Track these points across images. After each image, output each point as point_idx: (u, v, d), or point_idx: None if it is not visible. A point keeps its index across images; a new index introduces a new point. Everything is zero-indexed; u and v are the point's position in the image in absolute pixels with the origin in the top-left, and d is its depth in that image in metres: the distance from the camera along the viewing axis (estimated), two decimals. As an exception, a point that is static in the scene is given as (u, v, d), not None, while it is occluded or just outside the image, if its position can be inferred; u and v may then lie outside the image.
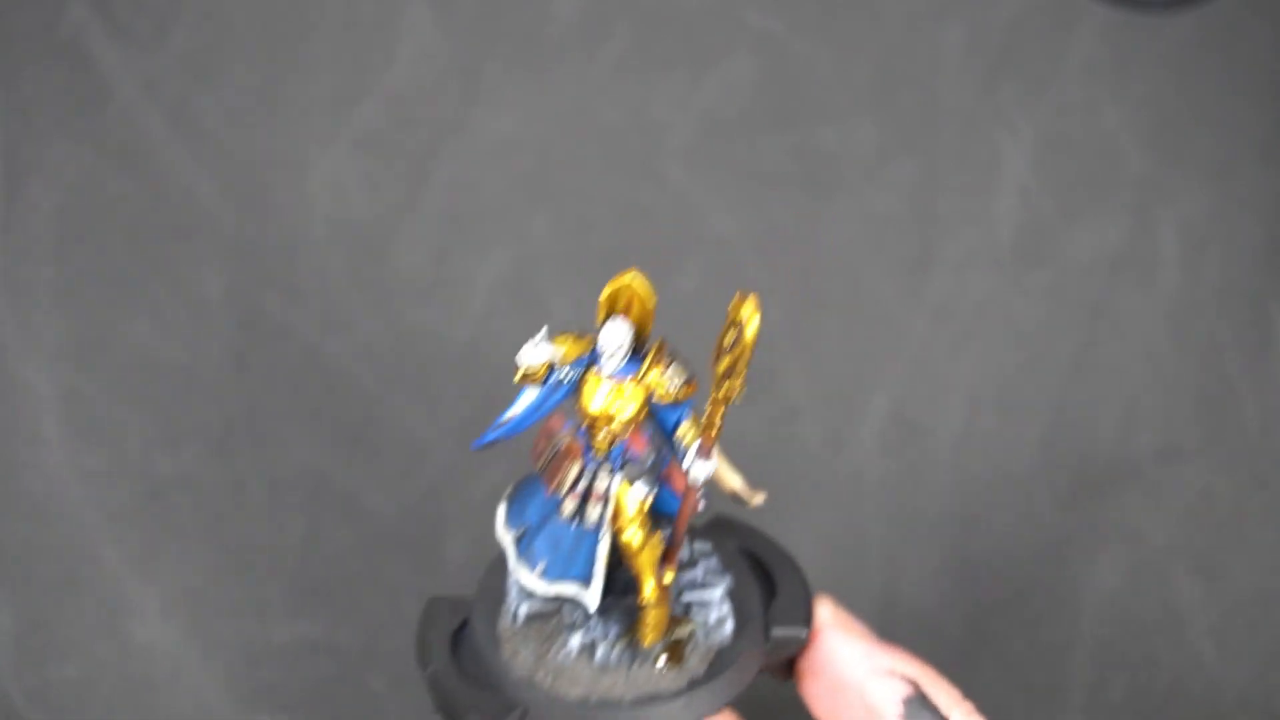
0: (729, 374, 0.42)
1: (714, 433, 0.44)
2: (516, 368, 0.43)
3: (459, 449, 0.69)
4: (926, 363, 0.70)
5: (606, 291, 0.43)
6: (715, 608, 0.47)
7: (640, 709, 0.43)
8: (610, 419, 0.43)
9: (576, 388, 0.43)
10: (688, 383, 0.44)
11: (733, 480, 0.47)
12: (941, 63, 0.71)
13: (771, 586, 0.50)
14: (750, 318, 0.41)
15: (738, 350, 0.41)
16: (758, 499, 0.47)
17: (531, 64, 0.71)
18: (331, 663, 0.65)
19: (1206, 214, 0.70)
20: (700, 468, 0.44)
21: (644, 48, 0.72)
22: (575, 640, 0.44)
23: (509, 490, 0.46)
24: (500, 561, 0.47)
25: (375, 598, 0.69)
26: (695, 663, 0.45)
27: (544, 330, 0.43)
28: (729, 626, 0.47)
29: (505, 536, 0.45)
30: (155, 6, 0.67)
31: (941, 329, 0.70)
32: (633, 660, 0.44)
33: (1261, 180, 0.70)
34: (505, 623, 0.45)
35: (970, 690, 0.69)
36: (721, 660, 0.46)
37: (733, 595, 0.48)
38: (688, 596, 0.47)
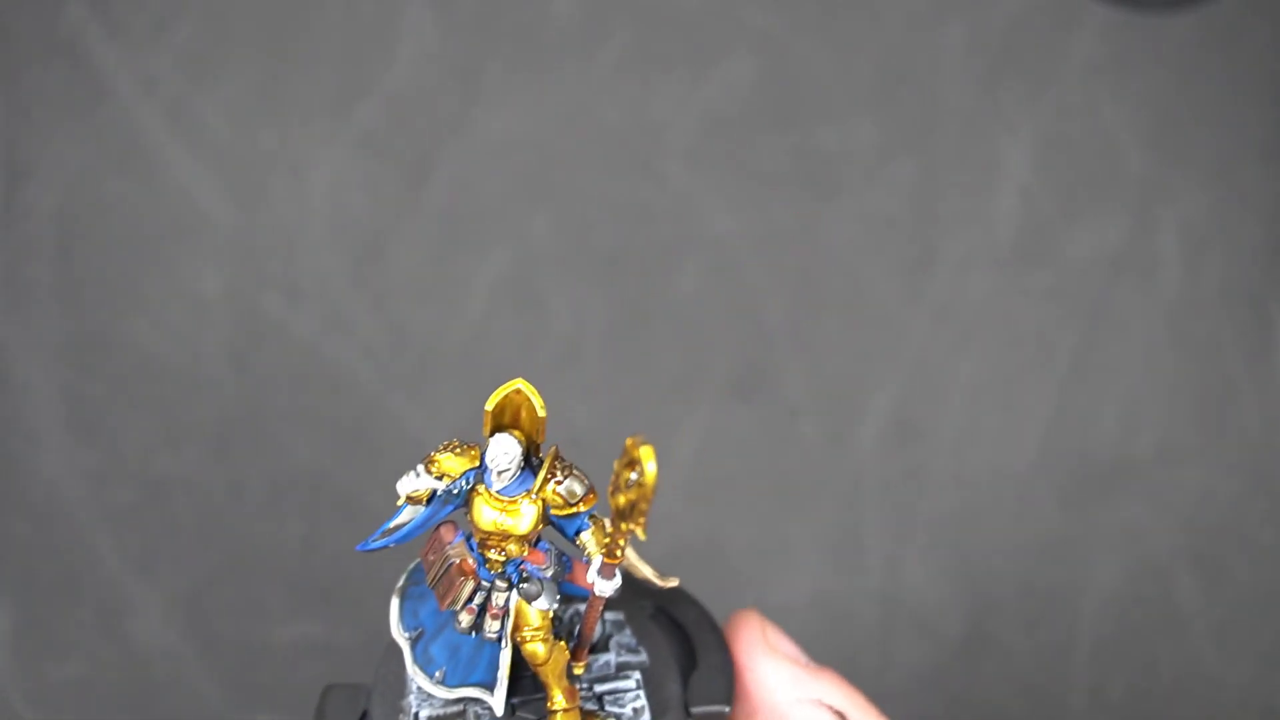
0: (628, 513, 0.40)
1: (617, 559, 0.42)
2: (397, 495, 0.42)
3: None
4: (926, 363, 0.70)
5: (492, 402, 0.41)
6: (631, 697, 0.45)
7: None
8: (504, 535, 0.41)
9: (467, 500, 0.41)
10: (585, 497, 0.41)
11: (643, 569, 0.45)
12: (941, 63, 0.71)
13: (691, 652, 0.48)
14: (647, 459, 0.38)
15: (636, 492, 0.39)
16: (670, 583, 0.45)
17: (531, 64, 0.71)
18: (331, 663, 0.65)
19: (1207, 214, 0.70)
20: (603, 586, 0.42)
21: (644, 48, 0.72)
22: None
23: (400, 583, 0.44)
24: (396, 647, 0.45)
25: (375, 598, 0.69)
26: None
27: (421, 466, 0.41)
28: (646, 716, 0.45)
29: (400, 638, 0.43)
30: (154, 6, 0.67)
31: (942, 329, 0.70)
32: None
33: (1262, 180, 0.70)
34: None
35: (971, 690, 0.69)
36: None
37: (648, 677, 0.46)
38: (600, 687, 0.45)
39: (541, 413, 0.41)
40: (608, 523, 0.41)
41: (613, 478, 0.40)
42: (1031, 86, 0.70)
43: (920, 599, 0.70)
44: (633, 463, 0.39)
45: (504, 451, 0.40)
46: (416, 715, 0.43)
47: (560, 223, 0.69)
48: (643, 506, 0.39)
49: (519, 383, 0.40)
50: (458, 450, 0.41)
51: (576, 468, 0.41)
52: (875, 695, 0.69)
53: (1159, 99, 0.70)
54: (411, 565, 0.44)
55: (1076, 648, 0.71)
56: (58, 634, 0.68)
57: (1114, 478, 0.71)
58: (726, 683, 0.47)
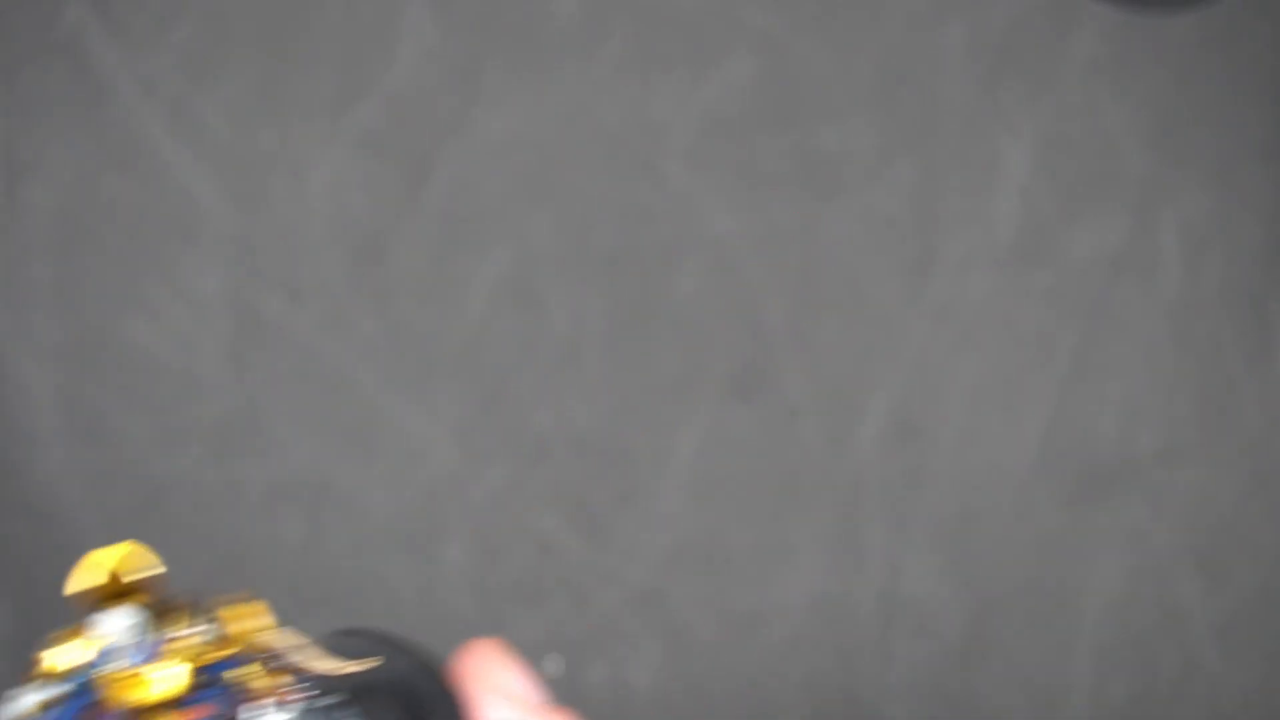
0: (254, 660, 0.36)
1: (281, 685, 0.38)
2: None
3: (458, 449, 0.69)
4: (926, 363, 0.70)
5: (82, 584, 0.36)
6: None
7: None
8: (170, 708, 0.38)
9: (95, 694, 0.38)
10: (225, 637, 0.38)
11: (318, 666, 0.41)
12: (941, 63, 0.71)
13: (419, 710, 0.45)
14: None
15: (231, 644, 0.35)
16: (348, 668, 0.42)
17: (531, 64, 0.71)
18: (331, 663, 0.65)
19: (1207, 214, 0.70)
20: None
21: (644, 48, 0.72)
22: None
23: None
24: None
25: (374, 598, 0.69)
26: None
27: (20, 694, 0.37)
28: None
29: None
30: (154, 6, 0.67)
31: (942, 329, 0.70)
32: None
33: (1262, 180, 0.70)
34: None
35: (971, 691, 0.69)
36: None
37: None
38: None
39: (160, 573, 0.35)
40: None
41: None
42: (1032, 87, 0.70)
43: (920, 599, 0.70)
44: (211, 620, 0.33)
45: (120, 623, 0.34)
46: None
47: (560, 223, 0.69)
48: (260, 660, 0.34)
49: (124, 547, 0.34)
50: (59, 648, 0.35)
51: (205, 607, 0.36)
52: (876, 695, 0.69)
53: (1159, 99, 0.70)
54: None
55: (1077, 648, 0.71)
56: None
57: (1115, 478, 0.71)
58: None
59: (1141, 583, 0.70)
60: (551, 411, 0.70)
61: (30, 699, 0.32)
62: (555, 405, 0.70)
